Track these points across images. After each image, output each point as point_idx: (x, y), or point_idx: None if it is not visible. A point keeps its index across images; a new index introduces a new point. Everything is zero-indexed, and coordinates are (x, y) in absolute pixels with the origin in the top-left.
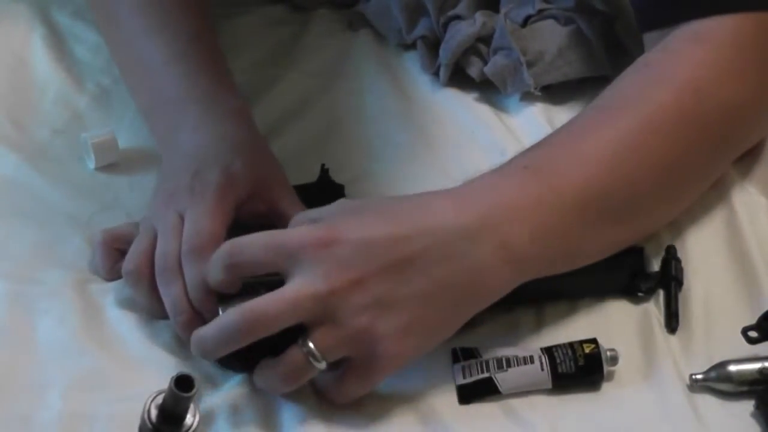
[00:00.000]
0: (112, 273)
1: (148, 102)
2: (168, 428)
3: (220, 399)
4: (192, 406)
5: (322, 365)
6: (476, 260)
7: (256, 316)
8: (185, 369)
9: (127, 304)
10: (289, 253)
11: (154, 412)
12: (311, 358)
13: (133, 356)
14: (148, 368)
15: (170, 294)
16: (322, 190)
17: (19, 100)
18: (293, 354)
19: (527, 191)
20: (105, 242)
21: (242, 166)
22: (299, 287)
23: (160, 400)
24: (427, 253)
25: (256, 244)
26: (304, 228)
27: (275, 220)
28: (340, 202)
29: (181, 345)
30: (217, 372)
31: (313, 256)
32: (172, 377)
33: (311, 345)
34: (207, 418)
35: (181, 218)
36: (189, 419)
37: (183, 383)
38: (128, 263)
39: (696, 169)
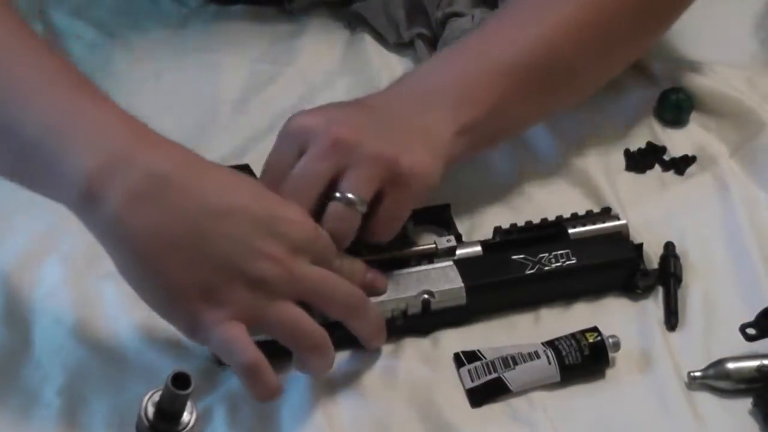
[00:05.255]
0: None
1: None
2: (165, 426)
3: (218, 396)
4: (189, 403)
5: (363, 207)
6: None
7: (295, 185)
8: (182, 366)
9: (125, 300)
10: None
11: (151, 410)
12: (350, 205)
13: (130, 353)
14: (146, 365)
15: None
16: None
17: None
18: (335, 209)
19: (448, 69)
20: None
21: None
22: (311, 151)
23: (157, 397)
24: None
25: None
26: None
27: None
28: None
29: (179, 342)
30: (214, 369)
31: (312, 134)
32: (169, 374)
33: (344, 193)
34: (204, 416)
35: None
36: (186, 417)
37: (180, 380)
38: None
39: (622, 32)
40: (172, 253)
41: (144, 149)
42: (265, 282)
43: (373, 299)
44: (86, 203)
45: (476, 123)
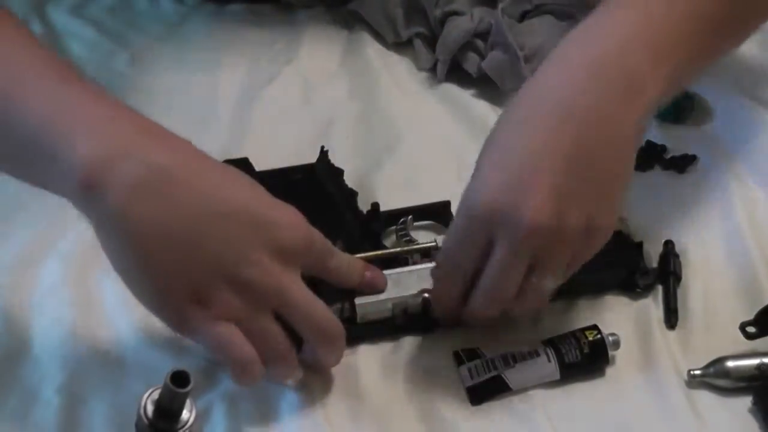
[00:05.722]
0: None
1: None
2: (164, 424)
3: (217, 394)
4: (188, 401)
5: (558, 283)
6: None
7: (493, 285)
8: (181, 364)
9: (125, 299)
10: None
11: (150, 408)
12: (545, 283)
13: (129, 352)
14: (145, 364)
15: None
16: (321, 172)
17: None
18: (532, 294)
19: (636, 14)
20: None
21: None
22: (505, 245)
23: (156, 395)
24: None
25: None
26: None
27: None
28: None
29: (177, 340)
30: (213, 367)
31: (503, 221)
32: (168, 373)
33: (541, 278)
34: (204, 414)
35: None
36: (185, 415)
37: (179, 379)
38: None
39: None
40: (166, 247)
41: (146, 141)
42: (251, 287)
43: (373, 297)
44: (86, 193)
45: (671, 84)
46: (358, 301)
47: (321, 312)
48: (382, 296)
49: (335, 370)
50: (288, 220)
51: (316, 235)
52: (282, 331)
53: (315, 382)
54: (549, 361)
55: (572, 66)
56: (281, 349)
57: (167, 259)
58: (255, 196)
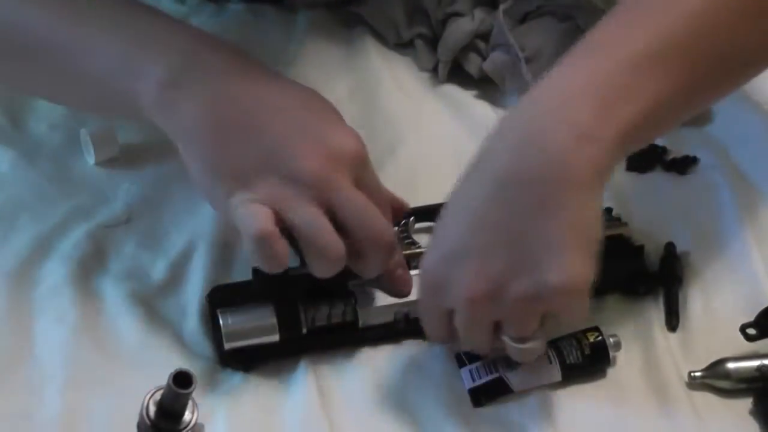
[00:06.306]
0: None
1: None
2: (166, 425)
3: (219, 395)
4: (191, 402)
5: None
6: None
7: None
8: (184, 365)
9: (126, 299)
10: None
11: (152, 409)
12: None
13: (131, 352)
14: (147, 364)
15: None
16: None
17: (15, 95)
18: (511, 349)
19: (583, 67)
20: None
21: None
22: (459, 316)
23: (158, 396)
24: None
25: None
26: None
27: None
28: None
29: (180, 341)
30: (216, 368)
31: (448, 293)
32: (171, 373)
33: (511, 338)
34: (206, 415)
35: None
36: (188, 415)
37: (181, 379)
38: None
39: None
40: (225, 134)
41: (209, 51)
42: (298, 182)
43: (375, 303)
44: (165, 101)
45: (637, 123)
46: (361, 307)
47: (375, 214)
48: (384, 303)
49: (337, 373)
50: (342, 128)
51: (366, 154)
52: (333, 230)
53: (316, 383)
54: (550, 362)
55: (510, 132)
56: (329, 249)
57: (223, 144)
58: (315, 100)
